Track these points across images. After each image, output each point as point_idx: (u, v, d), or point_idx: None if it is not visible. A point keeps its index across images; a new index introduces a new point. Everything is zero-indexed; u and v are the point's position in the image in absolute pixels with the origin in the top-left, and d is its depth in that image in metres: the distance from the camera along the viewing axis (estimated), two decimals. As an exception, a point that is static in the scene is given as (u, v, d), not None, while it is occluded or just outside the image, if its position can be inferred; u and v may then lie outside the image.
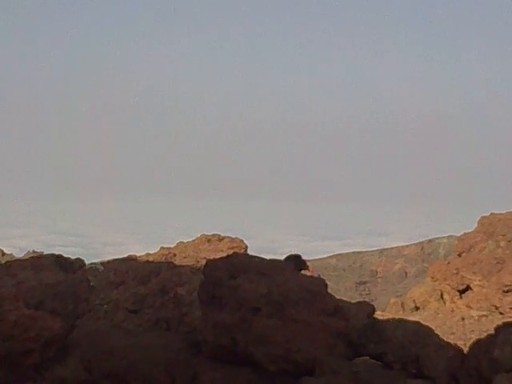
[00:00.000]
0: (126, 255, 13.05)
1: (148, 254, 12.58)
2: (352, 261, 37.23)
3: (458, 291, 13.63)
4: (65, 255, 12.24)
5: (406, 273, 34.81)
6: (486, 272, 13.35)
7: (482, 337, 6.56)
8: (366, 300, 16.21)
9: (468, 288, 13.64)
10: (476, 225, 15.36)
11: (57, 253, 12.33)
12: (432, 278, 14.20)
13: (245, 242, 12.66)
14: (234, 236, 12.95)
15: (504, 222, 14.71)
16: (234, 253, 8.75)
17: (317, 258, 37.35)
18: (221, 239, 12.74)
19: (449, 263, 14.52)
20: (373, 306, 8.54)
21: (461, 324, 11.75)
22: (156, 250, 12.79)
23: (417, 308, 13.87)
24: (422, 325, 7.06)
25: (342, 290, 30.66)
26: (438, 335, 6.94)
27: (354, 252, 39.93)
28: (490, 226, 14.80)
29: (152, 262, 12.04)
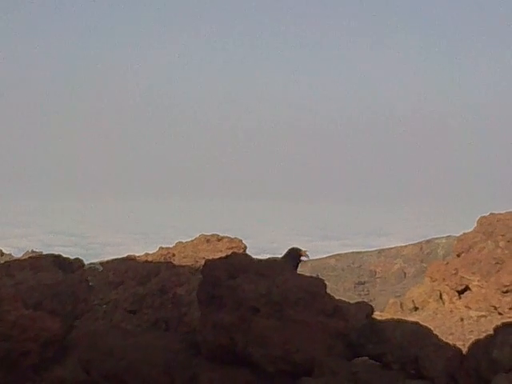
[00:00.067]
0: (125, 255, 13.04)
1: (147, 254, 12.58)
2: (351, 261, 37.23)
3: (457, 291, 13.63)
4: (64, 255, 12.23)
5: (405, 273, 34.81)
6: (485, 272, 13.36)
7: (481, 337, 6.56)
8: (365, 300, 16.21)
9: (467, 288, 13.64)
10: (475, 225, 15.35)
11: (56, 253, 12.32)
12: (431, 278, 14.20)
13: (244, 242, 12.65)
14: (233, 236, 12.95)
15: (503, 222, 14.71)
16: (232, 253, 8.74)
17: (316, 258, 37.34)
18: (220, 239, 12.73)
19: (448, 263, 14.52)
20: (372, 306, 8.55)
21: (460, 324, 11.75)
22: (155, 250, 12.78)
23: (416, 308, 13.87)
24: (420, 325, 7.06)
25: (341, 291, 30.67)
26: (436, 336, 6.95)
27: (352, 252, 39.92)
28: (489, 226, 14.80)
29: (151, 262, 12.04)
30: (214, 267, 7.72)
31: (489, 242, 14.29)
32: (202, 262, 9.24)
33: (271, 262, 8.28)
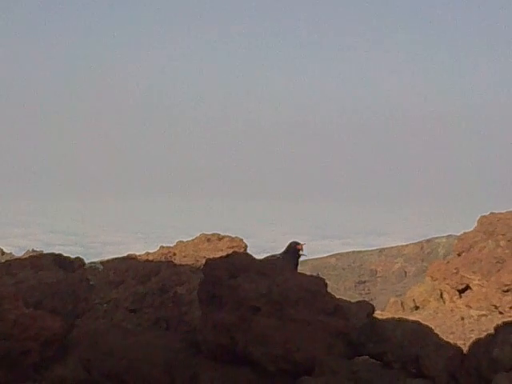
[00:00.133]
0: (125, 254, 13.03)
1: (148, 254, 12.55)
2: (351, 260, 37.21)
3: (458, 291, 13.61)
4: (64, 254, 12.21)
5: (406, 272, 34.78)
6: (486, 271, 13.34)
7: (482, 336, 6.54)
8: (366, 299, 16.19)
9: (467, 287, 13.62)
10: (475, 224, 15.32)
11: (56, 252, 12.31)
12: (431, 277, 14.18)
13: (244, 241, 12.64)
14: (233, 235, 12.93)
15: (504, 221, 14.69)
16: (233, 252, 8.72)
17: (316, 257, 37.33)
18: (220, 238, 12.71)
19: (448, 263, 14.49)
20: (372, 305, 8.51)
21: (460, 323, 11.74)
22: (156, 249, 12.77)
23: (416, 307, 13.85)
24: (421, 324, 7.04)
25: (342, 290, 30.64)
26: (437, 335, 6.93)
27: (353, 251, 39.88)
28: (490, 226, 14.78)
29: (152, 261, 12.02)
30: (214, 266, 7.71)
31: (489, 241, 14.28)
32: (203, 261, 9.22)
33: (272, 262, 8.26)
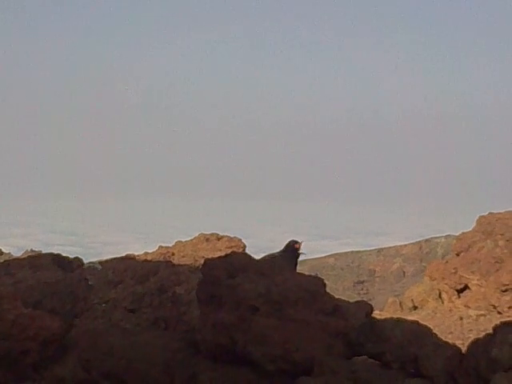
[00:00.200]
0: (124, 254, 13.03)
1: (146, 253, 12.56)
2: (350, 260, 37.21)
3: (456, 290, 13.62)
4: (63, 254, 12.22)
5: (404, 272, 34.78)
6: (485, 271, 13.35)
7: (481, 336, 6.54)
8: (364, 299, 16.20)
9: (466, 287, 13.63)
10: (474, 224, 15.35)
11: (55, 252, 12.31)
12: (430, 277, 14.19)
13: (243, 241, 12.64)
14: (232, 235, 12.93)
15: (502, 221, 14.71)
16: (232, 252, 8.72)
17: (315, 257, 37.33)
18: (219, 238, 12.71)
19: (447, 262, 14.51)
20: (371, 305, 8.51)
21: (459, 323, 11.75)
22: (154, 249, 12.77)
23: (415, 307, 13.86)
24: (420, 324, 7.04)
25: (340, 290, 30.63)
26: (436, 334, 6.93)
27: (352, 251, 39.87)
28: (489, 226, 14.80)
29: (150, 261, 12.02)
30: (213, 266, 7.71)
31: (488, 241, 14.29)
32: (202, 261, 9.22)
33: (271, 261, 8.26)
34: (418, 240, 38.12)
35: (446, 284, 13.66)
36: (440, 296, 13.68)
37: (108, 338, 7.89)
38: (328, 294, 7.43)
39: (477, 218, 15.39)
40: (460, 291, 13.59)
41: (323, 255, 38.75)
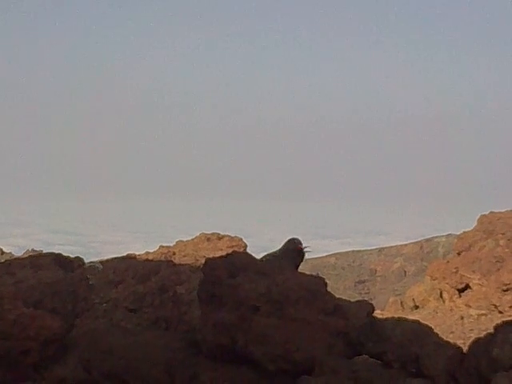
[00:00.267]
0: (125, 254, 13.01)
1: (147, 253, 12.54)
2: (351, 259, 37.22)
3: (458, 290, 13.60)
4: (64, 254, 12.20)
5: (405, 271, 34.77)
6: (486, 271, 13.33)
7: (482, 336, 6.54)
8: (365, 299, 16.19)
9: (467, 287, 13.61)
10: (475, 223, 15.32)
11: (56, 251, 12.29)
12: (431, 276, 14.17)
13: (244, 240, 12.62)
14: (233, 235, 12.91)
15: (503, 220, 14.69)
16: (233, 251, 8.71)
17: (316, 256, 37.32)
18: (220, 238, 12.70)
19: (448, 262, 14.48)
20: (372, 304, 8.50)
21: (460, 323, 11.74)
22: (155, 249, 12.75)
23: (416, 307, 13.84)
24: (421, 324, 7.03)
25: (341, 289, 30.63)
26: (437, 334, 6.92)
27: (353, 251, 39.89)
28: (490, 225, 14.78)
29: (151, 260, 12.01)
30: (214, 266, 7.70)
31: (489, 240, 14.27)
32: (203, 260, 9.22)
33: (271, 261, 8.24)
34: (418, 239, 38.14)
35: (447, 283, 13.64)
36: (441, 295, 13.66)
37: (109, 338, 7.89)
38: (329, 293, 7.42)
39: (478, 217, 15.36)
40: (461, 291, 13.57)
41: (324, 255, 38.76)
